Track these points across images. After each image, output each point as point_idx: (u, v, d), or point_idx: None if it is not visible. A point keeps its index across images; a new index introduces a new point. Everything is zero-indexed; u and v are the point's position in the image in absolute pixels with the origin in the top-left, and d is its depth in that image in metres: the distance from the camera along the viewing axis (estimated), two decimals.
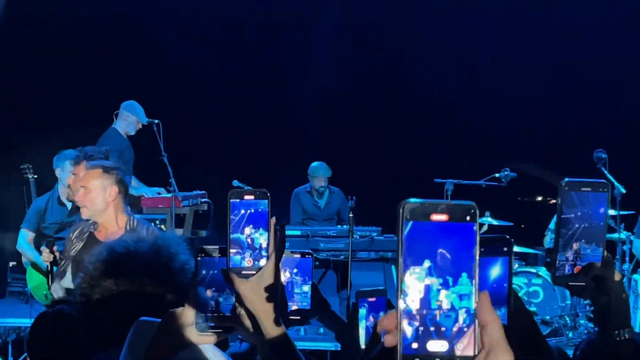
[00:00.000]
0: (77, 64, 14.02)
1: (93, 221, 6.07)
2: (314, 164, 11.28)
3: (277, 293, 2.13)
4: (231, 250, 2.11)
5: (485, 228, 10.39)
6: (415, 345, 1.21)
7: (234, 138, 13.98)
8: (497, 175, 10.57)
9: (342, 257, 10.25)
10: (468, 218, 1.22)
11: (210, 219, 10.24)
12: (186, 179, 10.32)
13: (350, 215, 9.67)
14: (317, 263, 10.23)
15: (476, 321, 1.22)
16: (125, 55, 14.28)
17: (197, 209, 10.27)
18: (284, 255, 2.73)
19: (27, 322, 9.33)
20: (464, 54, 14.48)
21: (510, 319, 1.93)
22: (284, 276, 2.92)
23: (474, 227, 1.22)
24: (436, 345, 1.21)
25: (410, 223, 1.21)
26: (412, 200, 1.22)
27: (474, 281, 1.22)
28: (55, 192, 9.06)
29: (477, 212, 1.22)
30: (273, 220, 2.12)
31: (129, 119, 9.83)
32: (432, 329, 1.21)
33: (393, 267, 10.36)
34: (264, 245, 2.11)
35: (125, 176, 8.80)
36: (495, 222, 10.44)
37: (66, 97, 14.00)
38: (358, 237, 10.03)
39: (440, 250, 1.21)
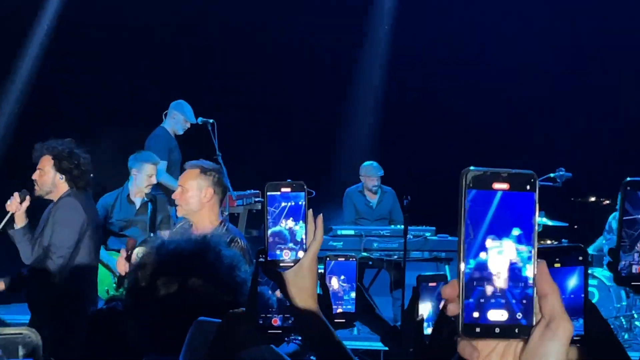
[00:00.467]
0: (129, 63, 14.15)
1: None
2: (366, 163, 11.23)
3: (316, 284, 2.14)
4: (269, 243, 2.10)
5: (539, 229, 9.91)
6: (476, 314, 1.22)
7: (287, 137, 13.98)
8: (552, 175, 10.48)
9: (395, 256, 10.23)
10: (528, 187, 1.23)
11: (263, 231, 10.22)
12: (240, 178, 10.32)
13: (406, 215, 9.61)
14: (370, 263, 10.29)
15: (535, 291, 1.22)
16: (179, 54, 14.37)
17: (251, 209, 10.26)
18: (328, 259, 2.87)
19: None
20: (529, 55, 14.36)
21: (587, 329, 1.88)
22: (332, 283, 2.91)
23: (534, 196, 1.22)
24: (497, 315, 1.21)
25: (473, 191, 1.22)
26: (474, 168, 1.23)
27: (533, 251, 1.22)
28: (125, 189, 9.05)
29: (537, 181, 1.23)
30: (310, 212, 2.13)
31: (177, 118, 9.94)
32: (492, 298, 1.22)
33: (447, 266, 10.32)
34: (302, 237, 2.12)
35: (178, 174, 8.74)
36: (550, 222, 10.27)
37: (116, 96, 14.18)
38: (412, 237, 9.93)
39: (501, 218, 1.22)
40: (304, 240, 2.13)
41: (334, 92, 14.41)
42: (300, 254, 2.12)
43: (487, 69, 13.97)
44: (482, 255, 1.22)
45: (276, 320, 2.30)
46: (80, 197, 6.76)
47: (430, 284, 2.81)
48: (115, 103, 14.09)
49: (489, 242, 1.22)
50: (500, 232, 1.22)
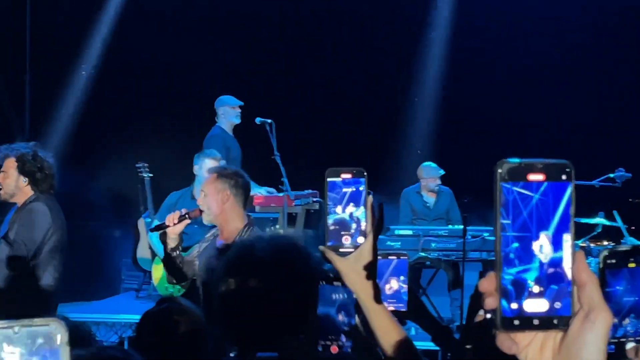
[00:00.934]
0: (189, 64, 14.31)
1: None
2: (425, 164, 11.38)
3: (375, 270, 2.17)
4: (330, 228, 2.14)
5: (598, 229, 10.24)
6: (514, 307, 1.22)
7: (345, 138, 14.09)
8: (611, 175, 10.48)
9: (453, 257, 10.29)
10: (564, 177, 1.23)
11: (322, 219, 10.37)
12: (298, 178, 10.56)
13: (465, 215, 9.76)
14: (428, 263, 10.41)
15: (573, 281, 1.22)
16: (236, 53, 14.47)
17: (309, 208, 10.49)
18: (379, 257, 2.77)
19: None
20: (599, 54, 14.15)
21: None
22: (391, 284, 2.92)
23: (570, 186, 1.23)
24: (535, 306, 1.22)
25: (508, 183, 1.22)
26: (509, 160, 1.23)
27: (570, 241, 1.22)
28: (190, 187, 9.38)
29: (573, 170, 1.23)
30: (370, 198, 2.16)
31: (223, 111, 10.24)
32: (530, 289, 1.22)
33: None
34: (362, 223, 2.14)
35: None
36: (607, 223, 10.25)
37: (178, 98, 14.33)
38: (470, 237, 10.00)
39: (538, 209, 1.22)
40: (364, 226, 2.15)
41: (391, 94, 14.52)
42: (360, 239, 2.15)
43: (547, 69, 13.99)
44: (519, 247, 1.22)
45: (335, 348, 2.34)
46: (48, 202, 6.85)
47: None
48: (178, 104, 14.35)
49: (525, 234, 1.22)
50: (537, 223, 1.22)
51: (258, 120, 10.05)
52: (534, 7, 14.15)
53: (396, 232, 10.52)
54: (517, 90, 13.95)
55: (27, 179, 6.58)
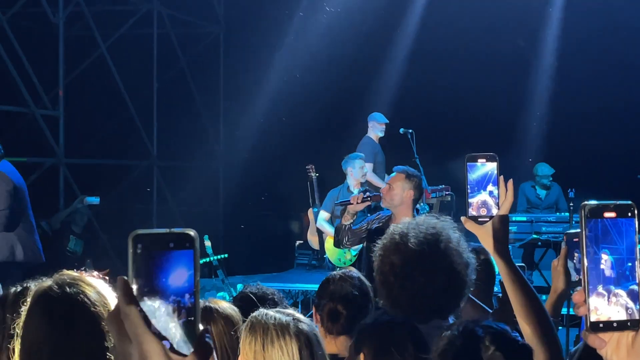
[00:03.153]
0: (342, 87, 14.67)
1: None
2: (540, 164, 12.20)
3: (507, 235, 2.41)
4: (469, 203, 2.36)
5: None
6: (598, 313, 1.38)
7: (468, 144, 12.83)
8: None
9: (560, 238, 10.29)
10: (629, 214, 1.41)
11: (452, 208, 10.97)
12: (434, 176, 11.30)
13: (570, 205, 10.71)
14: (539, 243, 11.16)
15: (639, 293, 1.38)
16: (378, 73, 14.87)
17: (442, 200, 11.26)
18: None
19: (310, 286, 11.00)
20: None
21: None
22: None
23: (635, 221, 1.41)
24: (614, 312, 1.38)
25: (591, 220, 1.40)
26: (590, 202, 1.40)
27: (637, 262, 1.39)
28: (345, 184, 9.79)
29: (636, 209, 1.42)
30: (501, 177, 2.36)
31: (372, 125, 11.16)
32: (611, 300, 1.38)
33: None
34: (496, 198, 2.36)
35: (383, 173, 10.22)
36: None
37: (334, 114, 14.92)
38: (575, 223, 10.33)
39: (611, 238, 1.40)
40: (497, 200, 2.36)
41: (508, 96, 14.57)
42: (494, 210, 2.35)
43: None
44: (601, 267, 1.38)
45: None
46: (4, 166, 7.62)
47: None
48: (333, 120, 14.93)
49: (604, 257, 1.39)
50: (611, 248, 1.39)
51: (401, 130, 11.02)
52: None
53: (513, 218, 10.82)
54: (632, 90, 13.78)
55: None
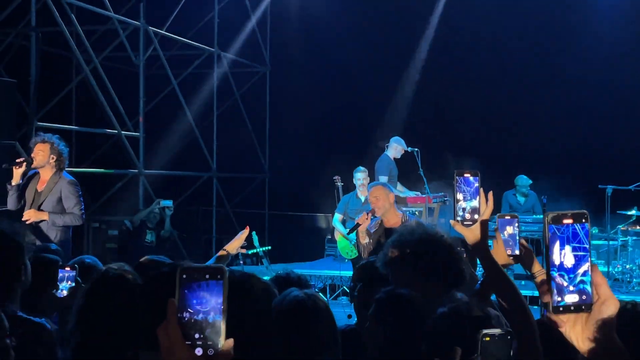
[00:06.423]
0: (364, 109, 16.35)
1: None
2: (520, 176, 13.54)
3: (487, 235, 2.63)
4: (458, 209, 2.59)
5: (633, 218, 11.67)
6: (559, 299, 1.57)
7: (474, 153, 13.98)
8: None
9: (536, 236, 12.17)
10: (583, 220, 1.58)
11: (450, 211, 11.11)
12: (435, 184, 12.30)
13: (544, 208, 12.14)
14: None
15: (591, 282, 1.57)
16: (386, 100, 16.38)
17: (441, 204, 12.17)
18: (498, 217, 3.47)
19: (337, 273, 12.16)
20: None
21: None
22: (504, 232, 3.45)
23: (587, 225, 1.58)
24: (571, 298, 1.57)
25: (552, 225, 1.58)
26: (552, 211, 1.58)
27: (589, 257, 1.57)
28: (355, 191, 10.57)
29: (588, 216, 1.58)
30: (482, 189, 2.61)
31: (397, 149, 11.90)
32: (569, 289, 1.58)
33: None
34: (477, 206, 2.61)
35: (395, 184, 11.37)
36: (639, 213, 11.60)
37: (353, 132, 16.11)
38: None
39: (569, 239, 1.58)
40: (479, 208, 2.60)
41: (524, 107, 15.39)
42: (477, 216, 2.60)
43: None
44: (560, 263, 1.56)
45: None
46: None
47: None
48: (355, 138, 15.98)
49: (563, 254, 1.56)
50: (569, 246, 1.56)
51: (409, 149, 11.89)
52: None
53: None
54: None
55: None
